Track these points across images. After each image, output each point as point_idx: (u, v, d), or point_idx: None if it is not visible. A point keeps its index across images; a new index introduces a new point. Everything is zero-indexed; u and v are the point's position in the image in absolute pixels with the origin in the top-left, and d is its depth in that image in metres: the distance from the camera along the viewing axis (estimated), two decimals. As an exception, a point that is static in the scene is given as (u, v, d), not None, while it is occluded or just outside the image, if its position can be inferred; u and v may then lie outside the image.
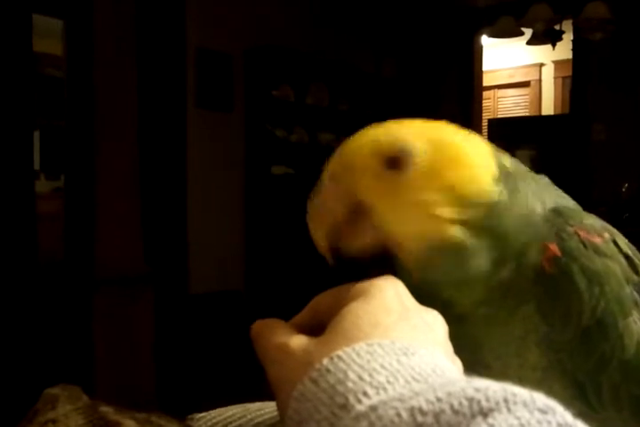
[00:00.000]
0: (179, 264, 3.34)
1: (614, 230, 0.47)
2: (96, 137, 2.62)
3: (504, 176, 0.44)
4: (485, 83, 5.72)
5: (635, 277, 0.45)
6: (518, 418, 0.24)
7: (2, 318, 2.44)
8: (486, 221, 0.42)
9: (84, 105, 2.65)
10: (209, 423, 0.48)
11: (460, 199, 0.42)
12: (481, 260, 0.42)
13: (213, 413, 0.50)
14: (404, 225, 0.42)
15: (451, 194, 0.41)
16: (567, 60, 5.39)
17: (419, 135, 0.43)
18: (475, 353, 0.44)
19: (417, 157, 0.42)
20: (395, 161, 0.42)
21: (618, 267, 0.44)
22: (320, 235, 0.42)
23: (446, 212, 0.41)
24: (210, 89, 3.58)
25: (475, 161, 0.43)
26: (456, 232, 0.41)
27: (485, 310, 0.44)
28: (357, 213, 0.42)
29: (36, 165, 3.44)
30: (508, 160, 0.46)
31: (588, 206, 0.49)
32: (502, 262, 0.43)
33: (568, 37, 4.82)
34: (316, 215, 0.43)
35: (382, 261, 0.42)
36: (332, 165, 0.43)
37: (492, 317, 0.44)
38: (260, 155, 3.78)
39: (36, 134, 3.45)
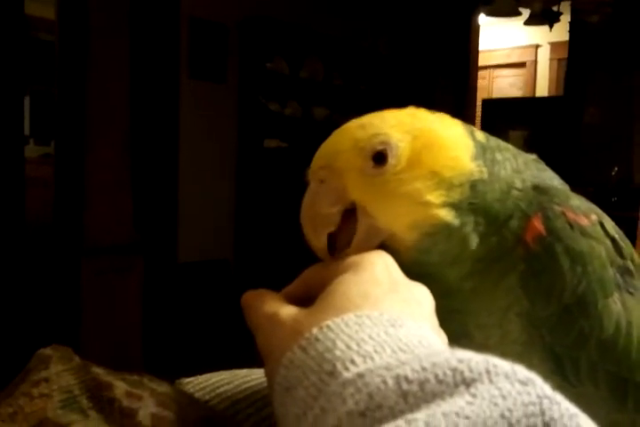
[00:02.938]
0: (168, 233, 3.34)
1: (601, 212, 0.47)
2: (87, 104, 2.59)
3: (481, 151, 0.45)
4: (481, 62, 5.69)
5: (619, 260, 0.46)
6: (499, 389, 0.25)
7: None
8: (471, 199, 0.43)
9: (75, 71, 2.62)
10: (196, 388, 0.49)
11: (444, 182, 0.42)
12: (470, 237, 0.43)
13: (201, 378, 0.51)
14: (395, 216, 0.42)
15: (435, 179, 0.42)
16: (564, 41, 5.37)
17: (396, 127, 0.43)
18: (459, 325, 0.45)
19: (398, 149, 0.42)
20: (378, 156, 0.42)
21: (603, 249, 0.45)
22: (316, 238, 0.43)
23: (433, 197, 0.42)
24: (203, 59, 3.54)
25: (451, 143, 0.44)
26: (445, 215, 0.42)
27: (470, 284, 0.45)
28: (350, 210, 0.43)
29: (26, 131, 3.41)
30: (480, 134, 0.46)
31: (577, 188, 0.49)
32: (486, 236, 0.44)
33: (565, 19, 4.80)
34: (309, 219, 0.43)
35: None
36: (318, 167, 0.43)
37: (477, 289, 0.45)
38: (252, 128, 3.76)
39: (27, 100, 3.41)
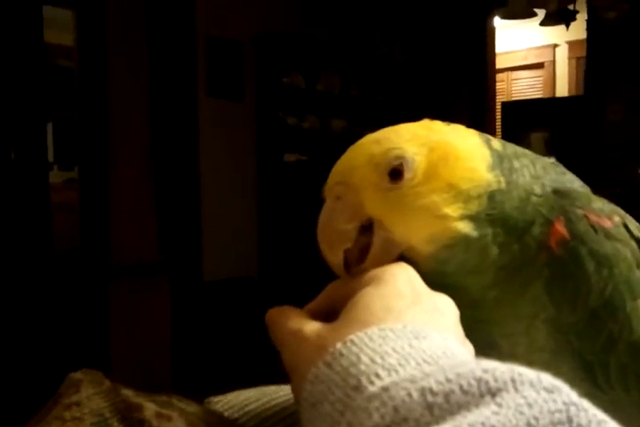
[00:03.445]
0: (192, 252, 3.37)
1: (624, 213, 0.47)
2: (109, 127, 2.63)
3: (498, 160, 0.44)
4: (498, 65, 5.65)
5: None
6: (525, 397, 0.25)
7: (20, 307, 2.48)
8: (489, 210, 0.43)
9: (96, 95, 2.67)
10: (225, 406, 0.49)
11: (461, 195, 0.42)
12: (489, 247, 0.43)
13: (230, 396, 0.51)
14: (414, 231, 0.42)
15: (452, 192, 0.42)
16: (581, 40, 5.32)
17: (411, 140, 0.43)
18: (484, 335, 0.45)
19: (414, 162, 0.42)
20: (394, 172, 0.42)
21: (628, 251, 0.44)
22: (333, 254, 0.43)
23: (451, 210, 0.42)
24: (221, 77, 3.58)
25: (468, 154, 0.43)
26: (463, 227, 0.42)
27: (494, 294, 0.44)
28: (367, 227, 0.43)
29: (50, 157, 3.47)
30: (497, 143, 0.46)
31: (603, 188, 0.49)
32: (508, 245, 0.43)
33: (582, 17, 4.75)
34: (326, 236, 0.43)
35: None
36: (334, 184, 0.43)
37: (502, 299, 0.44)
38: (272, 143, 3.78)
39: (49, 126, 3.47)
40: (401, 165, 0.42)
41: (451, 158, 0.43)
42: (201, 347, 3.12)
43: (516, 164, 0.45)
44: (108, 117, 2.64)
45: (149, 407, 0.36)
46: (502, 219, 0.43)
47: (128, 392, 0.37)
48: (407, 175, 0.42)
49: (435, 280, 0.41)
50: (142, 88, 2.75)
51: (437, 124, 0.45)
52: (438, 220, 0.42)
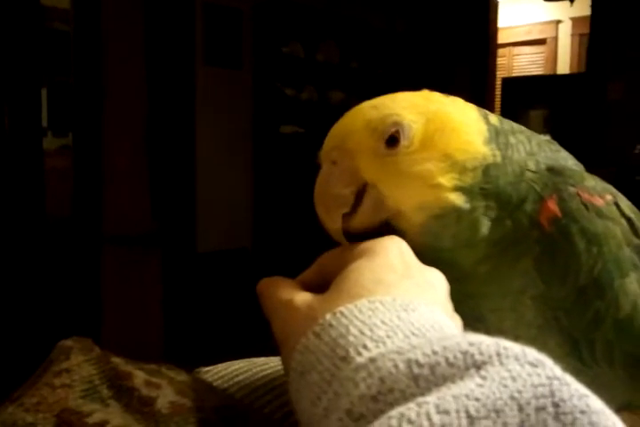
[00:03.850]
0: (186, 222, 3.36)
1: (617, 192, 0.47)
2: (104, 94, 2.60)
3: (494, 135, 0.44)
4: (500, 40, 5.59)
5: (635, 240, 0.45)
6: (509, 371, 0.25)
7: (11, 273, 2.49)
8: (483, 184, 0.43)
9: (91, 61, 2.63)
10: (215, 377, 0.49)
11: (457, 165, 0.42)
12: (481, 222, 0.43)
13: (220, 366, 0.52)
14: (406, 197, 0.42)
15: (447, 162, 0.42)
16: (585, 16, 5.26)
17: (409, 108, 0.43)
18: (472, 309, 0.45)
19: (411, 130, 0.42)
20: (391, 138, 0.42)
21: (618, 229, 0.44)
22: (330, 220, 0.43)
23: (445, 179, 0.42)
24: (218, 45, 3.53)
25: (465, 126, 0.44)
26: (455, 198, 0.42)
27: (485, 268, 0.45)
28: (362, 192, 0.43)
29: (44, 123, 3.43)
30: (494, 118, 0.46)
31: (599, 166, 0.49)
32: (500, 220, 0.44)
33: (587, -7, 4.69)
34: (323, 201, 0.43)
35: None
36: (330, 148, 0.43)
37: (492, 273, 0.45)
38: (269, 114, 3.75)
39: (44, 91, 3.43)
40: (397, 131, 0.42)
41: (447, 129, 0.43)
42: (193, 318, 3.14)
43: (512, 139, 0.45)
44: (104, 84, 2.61)
45: (139, 375, 0.37)
46: (496, 193, 0.43)
47: (118, 360, 0.38)
48: (403, 142, 0.42)
49: (426, 255, 0.41)
50: (139, 55, 2.71)
51: (436, 95, 0.45)
52: (431, 188, 0.42)
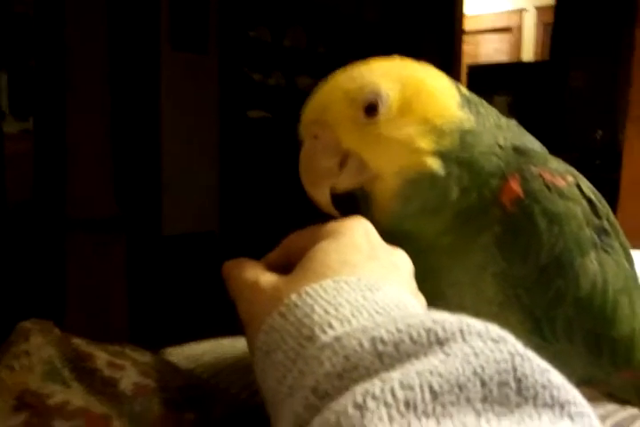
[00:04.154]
0: (152, 205, 3.33)
1: (578, 174, 0.48)
2: (65, 77, 2.54)
3: (466, 102, 0.45)
4: (467, 28, 5.62)
5: (595, 220, 0.46)
6: (472, 347, 0.25)
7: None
8: (459, 152, 0.43)
9: (53, 44, 2.56)
10: (180, 357, 0.49)
11: (435, 129, 0.43)
12: (451, 189, 0.44)
13: (185, 347, 0.51)
14: (385, 161, 0.43)
15: (426, 125, 0.43)
16: (550, 6, 5.31)
17: (385, 76, 0.43)
18: (433, 285, 0.46)
19: (388, 97, 0.42)
20: (370, 106, 0.42)
21: (579, 210, 0.45)
22: (319, 193, 0.43)
23: (424, 143, 0.42)
24: (184, 30, 3.47)
25: (439, 91, 0.44)
26: (432, 163, 0.43)
27: (447, 240, 0.45)
28: (345, 161, 0.43)
29: (4, 107, 3.35)
30: (463, 88, 0.47)
31: (562, 151, 0.50)
32: (467, 191, 0.44)
33: (551, -18, 4.74)
34: (309, 175, 0.43)
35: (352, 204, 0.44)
36: (310, 122, 0.44)
37: (453, 246, 0.45)
38: (236, 98, 3.71)
39: (4, 75, 3.34)
40: (376, 100, 0.42)
41: (423, 94, 0.43)
42: (159, 302, 3.12)
43: (482, 110, 0.46)
44: (66, 67, 2.55)
45: (101, 357, 0.36)
46: (470, 162, 0.44)
47: (79, 341, 0.37)
48: (382, 110, 0.42)
49: (391, 225, 0.41)
50: (102, 37, 2.65)
51: (408, 62, 0.46)
52: (411, 153, 0.42)
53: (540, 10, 6.50)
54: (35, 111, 2.71)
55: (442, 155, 0.43)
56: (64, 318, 2.47)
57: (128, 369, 0.36)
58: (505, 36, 6.95)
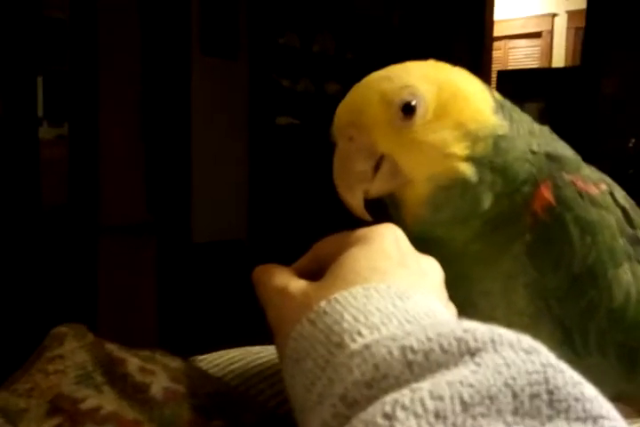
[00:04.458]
0: (182, 213, 3.36)
1: (612, 182, 0.47)
2: (99, 83, 2.59)
3: (500, 108, 0.45)
4: (496, 33, 5.58)
5: (629, 230, 0.45)
6: (504, 358, 0.25)
7: (7, 262, 2.48)
8: (493, 157, 0.43)
9: (87, 49, 2.61)
10: (210, 365, 0.49)
11: (470, 134, 0.42)
12: (484, 197, 0.43)
13: (214, 355, 0.52)
14: (419, 167, 0.43)
15: (461, 130, 0.42)
16: (581, 10, 5.24)
17: (421, 78, 0.43)
18: (464, 293, 0.45)
19: (425, 99, 0.42)
20: (407, 109, 0.42)
21: (613, 219, 0.44)
22: (352, 197, 0.43)
23: (458, 149, 0.42)
24: (215, 35, 3.51)
25: (474, 96, 0.44)
26: (465, 169, 0.42)
27: (477, 247, 0.45)
28: (380, 164, 0.43)
29: (40, 112, 3.40)
30: (497, 94, 0.47)
31: (594, 160, 0.49)
32: (499, 198, 0.44)
33: (584, -13, 4.69)
34: (343, 178, 0.43)
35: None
36: (346, 124, 0.43)
37: (482, 253, 0.45)
38: (264, 105, 3.73)
39: (40, 80, 3.40)
40: (413, 101, 0.42)
41: (459, 98, 0.43)
42: (188, 308, 3.14)
43: (515, 116, 0.46)
44: (99, 73, 2.59)
45: (133, 362, 0.37)
46: (503, 168, 0.43)
47: (112, 347, 0.37)
48: (419, 113, 0.42)
49: (421, 231, 0.41)
50: (134, 43, 2.69)
51: (444, 65, 0.45)
52: (445, 158, 0.42)
53: (571, 14, 6.42)
54: (69, 117, 2.76)
55: (475, 160, 0.42)
56: (95, 322, 2.50)
57: (159, 374, 0.37)
58: (535, 41, 6.88)
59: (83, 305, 2.58)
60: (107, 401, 0.33)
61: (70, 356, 0.36)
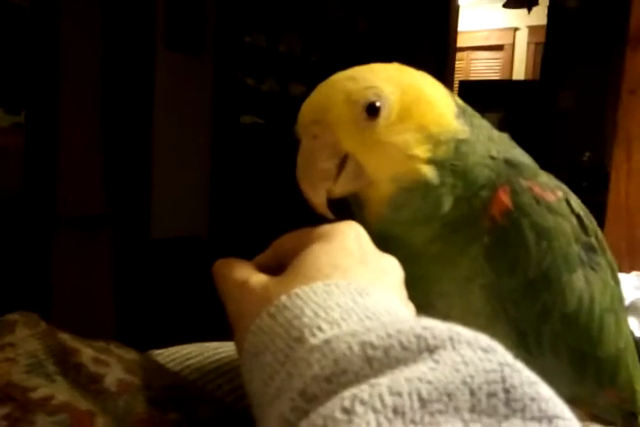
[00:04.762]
0: (141, 207, 3.31)
1: (567, 190, 0.48)
2: (60, 72, 2.52)
3: (462, 113, 0.45)
4: (459, 44, 5.67)
5: (584, 237, 0.47)
6: (462, 355, 0.25)
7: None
8: (454, 160, 0.44)
9: (48, 38, 2.55)
10: (167, 359, 0.49)
11: (432, 138, 0.43)
12: (444, 198, 0.44)
13: (171, 349, 0.51)
14: (382, 166, 0.43)
15: (423, 133, 0.43)
16: (542, 25, 5.37)
17: (386, 80, 0.43)
18: (422, 293, 0.46)
19: (389, 101, 0.43)
20: (370, 109, 0.42)
21: (568, 225, 0.46)
22: (315, 195, 0.43)
23: (420, 151, 0.43)
24: (180, 30, 3.47)
25: (437, 100, 0.44)
26: (427, 171, 0.43)
27: (436, 248, 0.45)
28: (344, 163, 0.43)
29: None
30: (459, 100, 0.47)
31: (549, 172, 0.50)
32: (459, 201, 0.44)
33: (544, 3, 4.81)
34: (306, 176, 0.43)
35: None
36: (310, 122, 0.43)
37: (441, 254, 0.45)
38: (229, 103, 3.71)
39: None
40: (378, 102, 0.42)
41: (422, 101, 0.44)
42: (144, 303, 3.09)
43: (476, 121, 0.46)
44: (59, 62, 2.53)
45: (86, 352, 0.36)
46: (464, 172, 0.44)
47: (65, 336, 0.37)
48: (383, 113, 0.42)
49: (382, 230, 0.41)
50: (96, 32, 2.63)
51: (408, 68, 0.46)
52: (407, 159, 0.43)
53: (532, 29, 6.57)
54: (27, 105, 2.68)
55: (437, 163, 0.43)
56: (50, 316, 2.44)
57: (113, 366, 0.36)
58: (497, 54, 7.01)
59: (37, 299, 2.51)
60: (59, 391, 0.32)
61: (21, 344, 0.35)
